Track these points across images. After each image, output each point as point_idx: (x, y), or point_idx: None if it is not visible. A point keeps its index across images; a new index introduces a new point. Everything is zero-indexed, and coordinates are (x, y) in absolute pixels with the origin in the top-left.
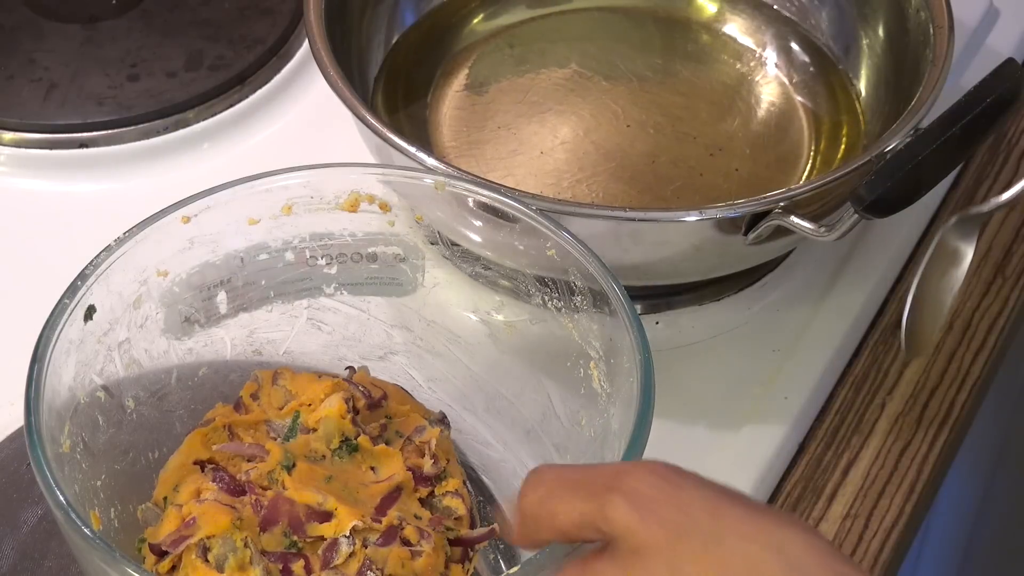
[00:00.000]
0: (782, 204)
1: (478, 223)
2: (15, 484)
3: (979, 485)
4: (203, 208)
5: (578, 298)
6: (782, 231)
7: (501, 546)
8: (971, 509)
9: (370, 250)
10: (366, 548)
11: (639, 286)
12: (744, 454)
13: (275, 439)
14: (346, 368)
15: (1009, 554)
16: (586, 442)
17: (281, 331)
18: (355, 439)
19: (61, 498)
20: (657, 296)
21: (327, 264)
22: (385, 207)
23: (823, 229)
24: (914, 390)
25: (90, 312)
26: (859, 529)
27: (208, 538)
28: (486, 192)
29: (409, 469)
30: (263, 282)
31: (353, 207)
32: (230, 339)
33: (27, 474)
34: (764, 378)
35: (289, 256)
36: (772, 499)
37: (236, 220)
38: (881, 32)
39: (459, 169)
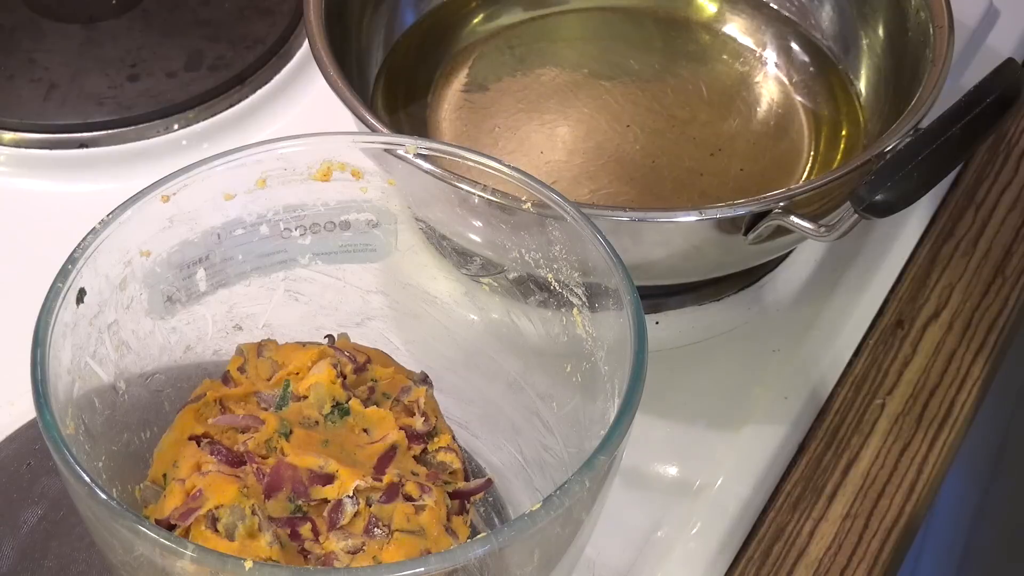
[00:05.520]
0: (782, 204)
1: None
2: (15, 484)
3: (979, 485)
4: (181, 186)
5: (556, 247)
6: (782, 231)
7: (490, 499)
8: (971, 509)
9: (343, 218)
10: (370, 507)
11: (639, 286)
12: (744, 454)
13: (266, 409)
14: (325, 336)
15: (1009, 554)
16: (573, 388)
17: (259, 305)
18: (346, 403)
19: (82, 473)
20: (657, 296)
21: (301, 235)
22: (357, 174)
23: (823, 229)
24: (914, 390)
25: (81, 295)
26: (859, 529)
27: (216, 508)
28: (471, 157)
29: (401, 428)
30: (240, 257)
31: (326, 176)
32: (211, 316)
33: (27, 474)
34: (764, 378)
35: (264, 230)
36: (772, 499)
37: (213, 196)
38: (881, 32)
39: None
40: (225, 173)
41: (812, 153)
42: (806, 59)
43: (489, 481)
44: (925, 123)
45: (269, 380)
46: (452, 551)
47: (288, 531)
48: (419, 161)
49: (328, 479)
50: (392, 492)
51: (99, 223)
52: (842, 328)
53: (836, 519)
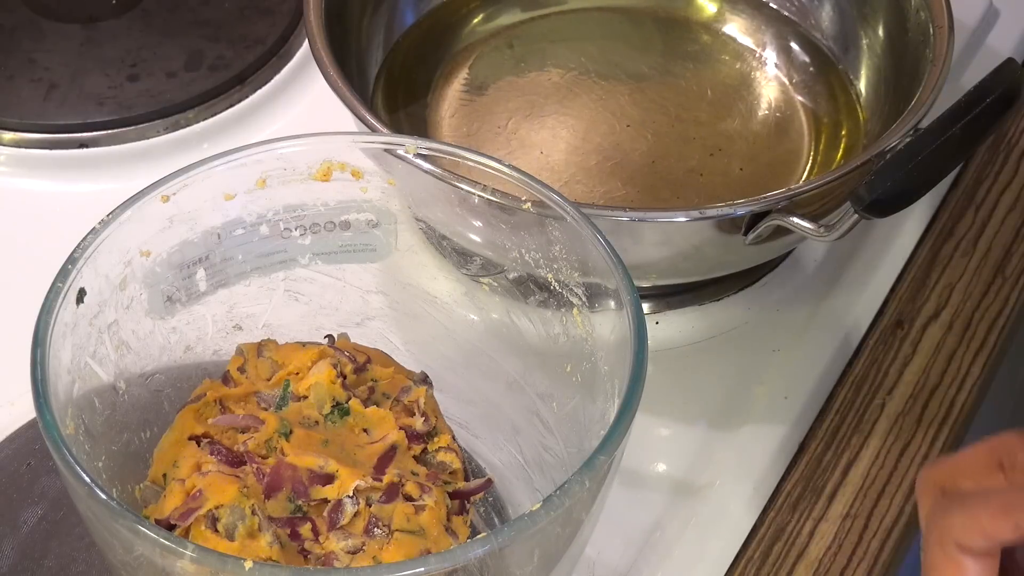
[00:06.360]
0: (782, 204)
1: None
2: (15, 484)
3: None
4: (181, 186)
5: (556, 247)
6: (782, 231)
7: (490, 499)
8: None
9: (343, 218)
10: (370, 507)
11: (639, 286)
12: (744, 454)
13: (265, 409)
14: (325, 336)
15: None
16: (573, 388)
17: (260, 305)
18: (346, 403)
19: (82, 473)
20: (657, 296)
21: (301, 235)
22: (357, 174)
23: (823, 229)
24: (914, 390)
25: (81, 295)
26: (859, 529)
27: (216, 508)
28: (472, 158)
29: (401, 428)
30: (240, 257)
31: (326, 176)
32: (211, 316)
33: (27, 474)
34: (764, 378)
35: (264, 230)
36: (772, 499)
37: (212, 196)
38: (881, 32)
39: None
40: (225, 173)
41: (812, 153)
42: (806, 59)
43: (489, 481)
44: (925, 123)
45: (269, 380)
46: (452, 551)
47: (288, 531)
48: (419, 161)
49: (328, 479)
50: (392, 492)
51: (99, 223)
52: (842, 328)
53: (836, 519)
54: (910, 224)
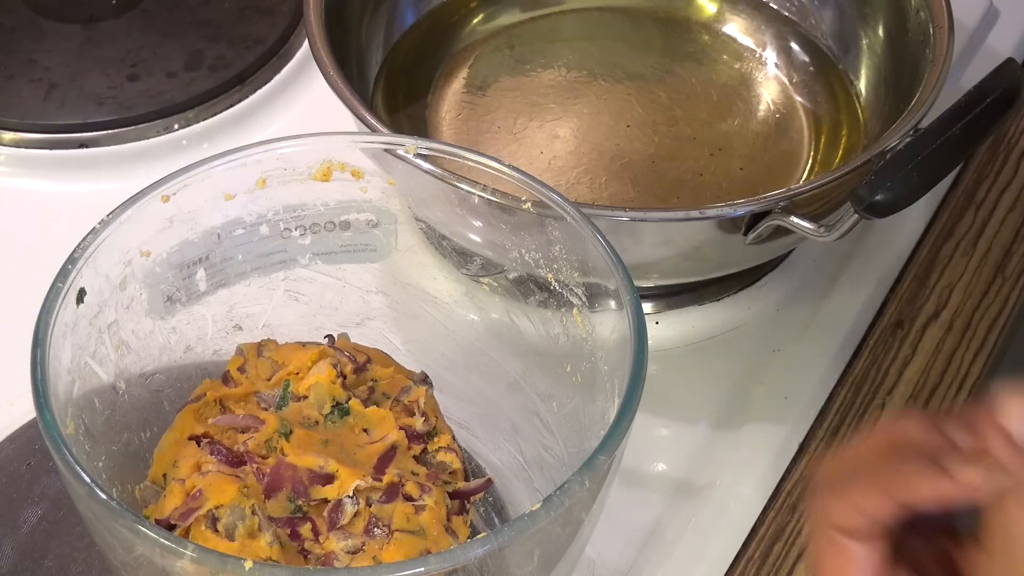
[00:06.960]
0: (782, 204)
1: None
2: (15, 484)
3: None
4: (181, 186)
5: (556, 247)
6: (782, 231)
7: (490, 499)
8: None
9: (343, 218)
10: (370, 507)
11: (639, 286)
12: (744, 454)
13: (265, 409)
14: (325, 336)
15: None
16: (573, 388)
17: (259, 304)
18: (346, 403)
19: (82, 473)
20: (657, 296)
21: (301, 235)
22: (357, 174)
23: (823, 229)
24: (914, 390)
25: (81, 295)
26: None
27: (216, 508)
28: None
29: (401, 428)
30: (240, 257)
31: (326, 176)
32: (211, 316)
33: (27, 474)
34: (764, 378)
35: (264, 230)
36: (772, 499)
37: (213, 196)
38: (881, 32)
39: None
40: (225, 173)
41: (812, 153)
42: (806, 59)
43: (489, 481)
44: (925, 123)
45: (269, 380)
46: (452, 551)
47: (288, 531)
48: (419, 161)
49: (328, 479)
50: (392, 492)
51: (99, 223)
52: (842, 328)
53: None
54: (910, 224)
